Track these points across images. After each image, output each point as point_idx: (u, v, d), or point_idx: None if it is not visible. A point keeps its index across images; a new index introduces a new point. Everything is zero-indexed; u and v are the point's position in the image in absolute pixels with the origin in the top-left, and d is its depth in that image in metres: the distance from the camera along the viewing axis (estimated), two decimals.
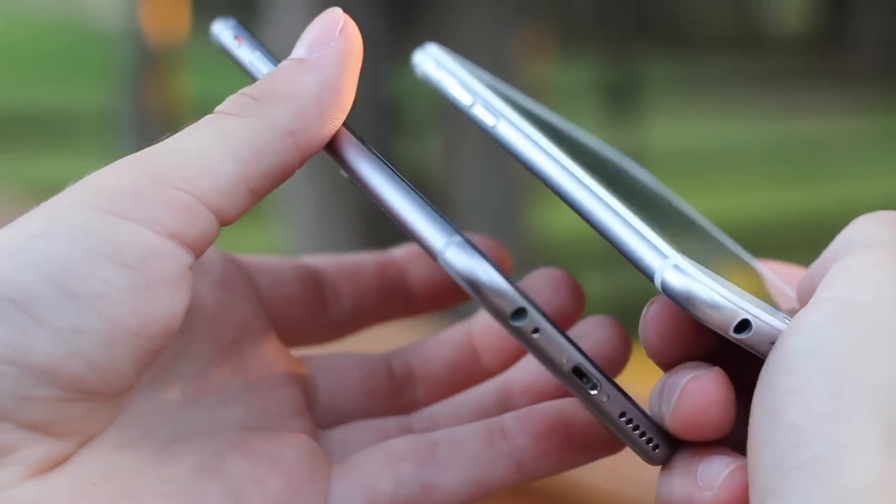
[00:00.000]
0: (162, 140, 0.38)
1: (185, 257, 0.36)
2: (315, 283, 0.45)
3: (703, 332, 0.37)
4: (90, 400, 0.36)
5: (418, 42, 0.45)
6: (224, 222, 0.37)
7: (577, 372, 0.36)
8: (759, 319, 0.35)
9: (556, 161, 0.39)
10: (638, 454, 0.38)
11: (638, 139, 4.45)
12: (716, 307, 0.35)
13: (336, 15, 0.38)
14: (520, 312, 0.35)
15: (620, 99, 4.69)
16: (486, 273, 0.34)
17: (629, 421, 0.38)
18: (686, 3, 8.85)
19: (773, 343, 0.35)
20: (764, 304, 0.36)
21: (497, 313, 0.34)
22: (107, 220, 0.35)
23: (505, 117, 0.40)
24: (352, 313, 0.45)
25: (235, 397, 0.40)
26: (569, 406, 0.40)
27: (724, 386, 0.36)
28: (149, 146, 0.38)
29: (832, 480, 0.31)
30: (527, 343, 0.35)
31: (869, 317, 0.33)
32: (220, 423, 0.39)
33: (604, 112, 4.66)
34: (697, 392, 0.36)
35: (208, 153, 0.36)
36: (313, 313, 0.45)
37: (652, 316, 0.37)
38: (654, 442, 0.38)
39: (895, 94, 6.62)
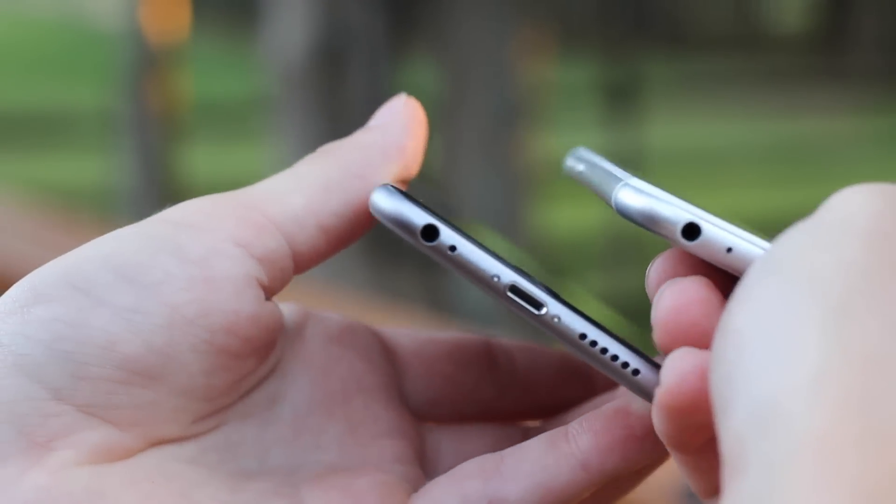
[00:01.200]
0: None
1: (251, 264, 0.37)
2: (484, 353, 0.44)
3: None
4: (148, 386, 0.36)
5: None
6: (297, 253, 0.38)
7: (516, 292, 0.35)
8: (710, 223, 0.34)
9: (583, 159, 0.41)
10: (626, 386, 0.36)
11: (638, 139, 4.45)
12: (662, 214, 0.34)
13: (400, 96, 0.42)
14: (430, 231, 0.35)
15: (620, 99, 4.68)
16: (395, 202, 0.35)
17: (594, 343, 0.36)
18: (686, 3, 8.85)
19: (729, 250, 0.34)
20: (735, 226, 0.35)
21: (412, 237, 0.35)
22: (174, 227, 0.37)
23: (594, 164, 0.41)
24: (526, 385, 0.44)
25: (332, 441, 0.40)
26: (626, 395, 0.38)
27: (705, 288, 0.34)
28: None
29: (775, 375, 0.28)
30: (450, 264, 0.35)
31: (835, 224, 0.31)
32: (311, 462, 0.40)
33: (604, 112, 4.66)
34: (675, 292, 0.34)
35: (279, 189, 0.39)
36: (477, 380, 0.44)
37: (655, 270, 0.36)
38: (632, 366, 0.36)
39: (895, 94, 6.62)
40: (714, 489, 0.35)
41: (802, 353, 0.28)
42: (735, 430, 0.28)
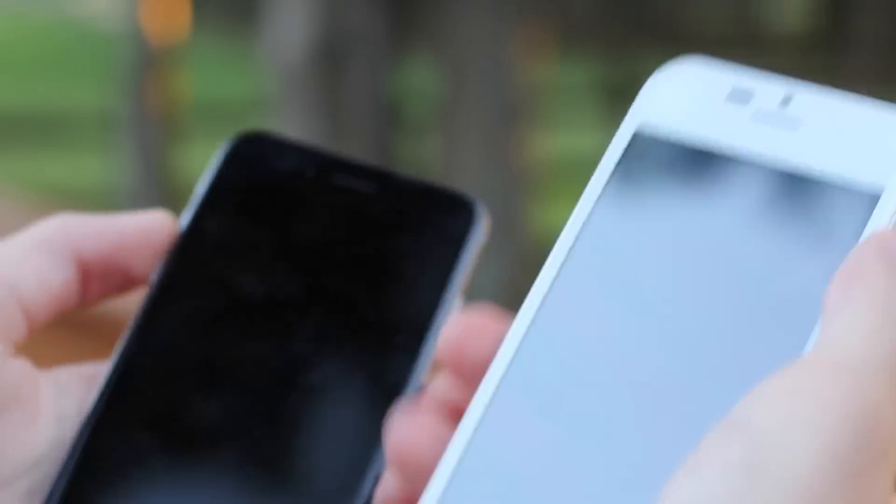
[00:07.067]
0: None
1: None
2: None
3: None
4: None
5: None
6: (29, 311, 0.38)
7: None
8: None
9: None
10: None
11: None
12: None
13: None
14: None
15: (620, 99, 4.68)
16: None
17: None
18: (686, 3, 8.86)
19: None
20: None
21: None
22: None
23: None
24: None
25: None
26: None
27: (413, 427, 0.31)
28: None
29: None
30: None
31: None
32: None
33: (604, 112, 4.66)
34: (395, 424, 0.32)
35: (8, 247, 0.39)
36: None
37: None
38: None
39: (895, 94, 6.62)
40: None
41: None
42: None
